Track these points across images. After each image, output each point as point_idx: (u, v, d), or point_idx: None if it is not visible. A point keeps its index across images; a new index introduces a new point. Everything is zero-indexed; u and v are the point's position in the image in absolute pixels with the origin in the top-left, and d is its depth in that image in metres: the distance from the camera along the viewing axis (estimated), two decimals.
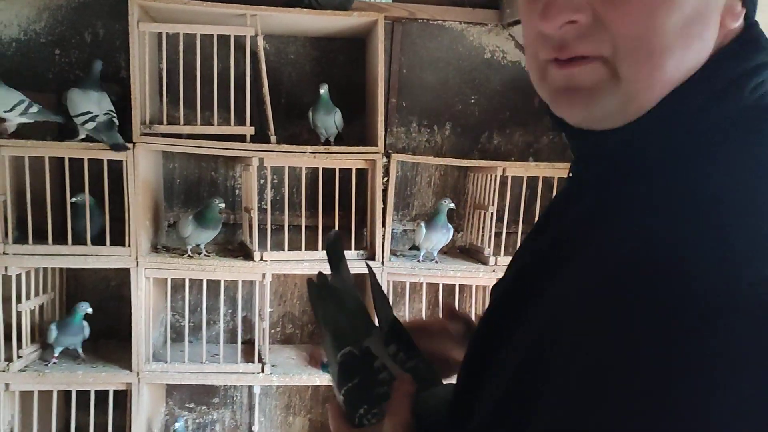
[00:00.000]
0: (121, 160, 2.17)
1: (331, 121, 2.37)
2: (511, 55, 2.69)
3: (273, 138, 2.28)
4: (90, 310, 2.26)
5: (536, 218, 2.41)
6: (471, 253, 2.58)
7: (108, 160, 2.19)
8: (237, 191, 2.62)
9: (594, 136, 0.57)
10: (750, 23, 0.55)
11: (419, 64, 2.64)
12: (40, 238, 2.18)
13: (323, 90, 2.34)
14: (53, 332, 2.23)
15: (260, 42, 2.25)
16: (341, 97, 2.47)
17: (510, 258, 0.71)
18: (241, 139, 2.28)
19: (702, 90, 0.52)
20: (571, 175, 0.64)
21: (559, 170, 2.40)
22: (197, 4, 2.16)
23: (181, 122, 2.26)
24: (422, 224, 2.41)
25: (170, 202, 2.58)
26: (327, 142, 2.41)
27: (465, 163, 2.46)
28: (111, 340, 2.45)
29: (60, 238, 2.20)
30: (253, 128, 2.26)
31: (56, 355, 2.26)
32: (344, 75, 2.59)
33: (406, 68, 2.63)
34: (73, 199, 2.20)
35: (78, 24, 2.45)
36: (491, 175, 2.42)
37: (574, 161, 0.64)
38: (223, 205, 2.32)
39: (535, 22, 0.54)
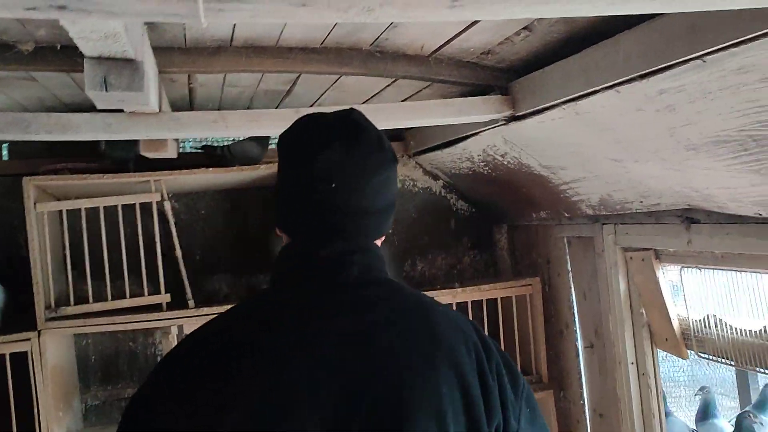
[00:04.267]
0: (26, 351, 2.00)
1: None
2: (421, 182, 2.74)
3: (191, 302, 2.18)
4: None
5: None
6: None
7: (10, 353, 2.02)
8: (158, 358, 2.46)
9: None
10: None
11: None
12: None
13: None
14: None
15: (167, 206, 2.19)
16: (258, 246, 2.41)
17: None
18: (157, 306, 2.16)
19: None
20: None
21: (485, 292, 2.40)
22: (96, 178, 2.09)
23: (91, 299, 2.13)
24: None
25: (86, 381, 2.39)
26: None
27: None
28: None
29: None
30: (168, 295, 2.16)
31: None
32: (259, 224, 2.55)
33: None
34: None
35: None
36: None
37: None
38: None
39: None
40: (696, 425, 1.97)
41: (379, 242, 0.99)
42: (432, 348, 0.84)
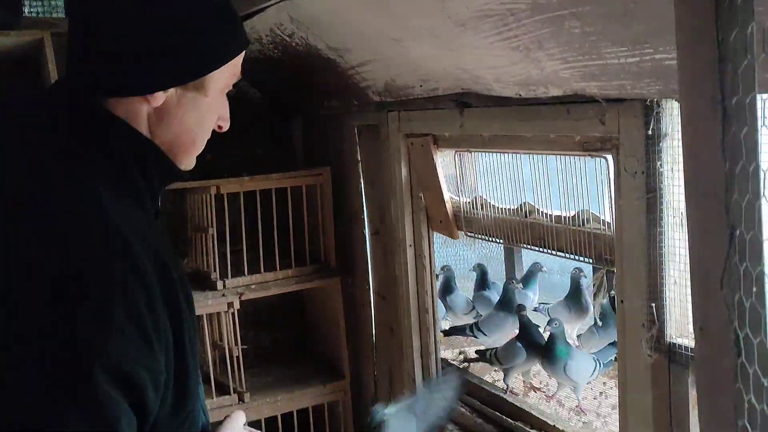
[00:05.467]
0: None
1: None
2: None
3: None
4: None
5: (259, 233, 2.35)
6: (200, 279, 2.42)
7: None
8: None
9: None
10: None
11: None
12: None
13: None
14: None
15: None
16: None
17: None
18: None
19: None
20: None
21: (275, 181, 2.35)
22: None
23: None
24: None
25: None
26: None
27: (173, 186, 2.28)
28: None
29: None
30: None
31: None
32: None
33: None
34: None
35: None
36: (206, 195, 2.28)
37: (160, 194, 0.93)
38: None
39: (222, 117, 0.95)
40: (473, 296, 2.37)
41: (136, 103, 0.83)
42: None
